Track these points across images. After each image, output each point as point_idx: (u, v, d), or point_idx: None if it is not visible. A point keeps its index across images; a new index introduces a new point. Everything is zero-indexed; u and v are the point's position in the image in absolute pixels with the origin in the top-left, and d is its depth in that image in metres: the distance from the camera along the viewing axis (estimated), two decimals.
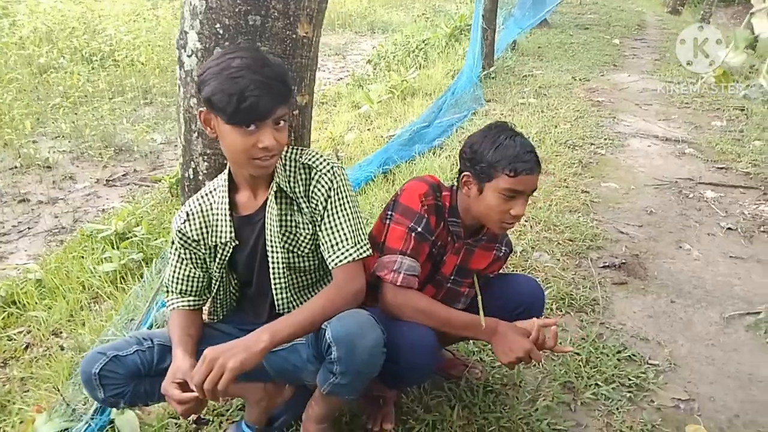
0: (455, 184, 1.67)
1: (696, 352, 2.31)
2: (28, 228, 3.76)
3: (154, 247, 3.12)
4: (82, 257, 3.15)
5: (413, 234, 1.54)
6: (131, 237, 3.20)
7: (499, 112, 5.52)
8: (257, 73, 1.29)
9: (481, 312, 1.56)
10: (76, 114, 5.41)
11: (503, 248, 1.80)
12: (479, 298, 1.69)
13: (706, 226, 3.40)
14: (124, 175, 4.60)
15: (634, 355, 2.24)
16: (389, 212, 1.60)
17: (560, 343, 1.60)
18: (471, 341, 2.17)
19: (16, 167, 4.53)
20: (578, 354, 2.20)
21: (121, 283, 2.90)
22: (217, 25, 1.53)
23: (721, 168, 4.31)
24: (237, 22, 1.52)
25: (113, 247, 3.17)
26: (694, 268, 2.95)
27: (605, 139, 4.81)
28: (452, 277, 1.73)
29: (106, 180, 4.48)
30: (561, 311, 2.51)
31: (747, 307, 2.61)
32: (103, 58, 6.68)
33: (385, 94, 6.14)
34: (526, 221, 3.27)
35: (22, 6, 7.57)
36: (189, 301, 1.60)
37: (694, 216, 3.52)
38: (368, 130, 5.30)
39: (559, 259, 2.92)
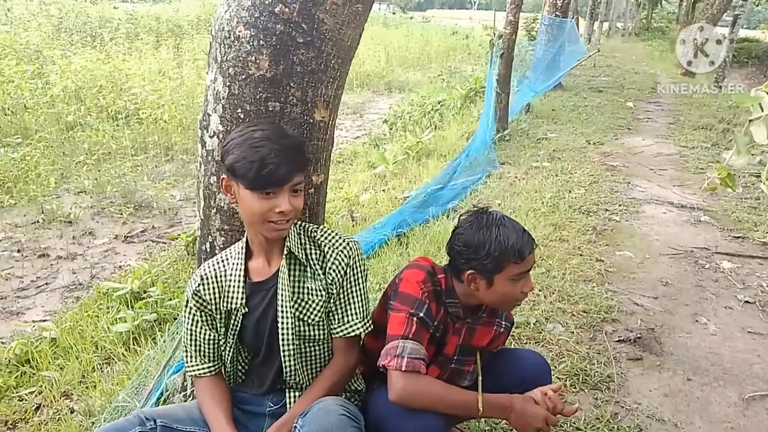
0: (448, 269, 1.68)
1: None
2: (46, 283, 3.82)
3: (169, 308, 3.15)
4: (97, 316, 3.19)
5: (414, 318, 1.54)
6: (146, 297, 3.24)
7: (513, 175, 5.58)
8: (277, 143, 1.39)
9: (480, 393, 1.54)
10: (99, 170, 5.56)
11: (503, 323, 1.80)
12: (479, 378, 1.68)
13: (723, 299, 3.35)
14: (142, 232, 4.68)
15: None
16: (390, 302, 1.61)
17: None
18: (483, 419, 2.13)
19: (38, 222, 4.63)
20: None
21: (134, 344, 2.91)
22: (239, 110, 1.60)
23: (738, 237, 4.27)
24: (257, 108, 1.59)
25: (128, 307, 3.21)
26: (711, 343, 2.89)
27: (619, 206, 4.81)
28: (455, 357, 1.72)
29: (125, 236, 4.56)
30: (575, 388, 2.47)
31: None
32: (128, 116, 6.91)
33: (400, 155, 6.25)
34: (540, 291, 3.25)
35: (56, 66, 7.92)
36: (208, 366, 1.61)
37: (711, 288, 3.48)
38: (383, 190, 5.37)
39: (573, 332, 2.88)
